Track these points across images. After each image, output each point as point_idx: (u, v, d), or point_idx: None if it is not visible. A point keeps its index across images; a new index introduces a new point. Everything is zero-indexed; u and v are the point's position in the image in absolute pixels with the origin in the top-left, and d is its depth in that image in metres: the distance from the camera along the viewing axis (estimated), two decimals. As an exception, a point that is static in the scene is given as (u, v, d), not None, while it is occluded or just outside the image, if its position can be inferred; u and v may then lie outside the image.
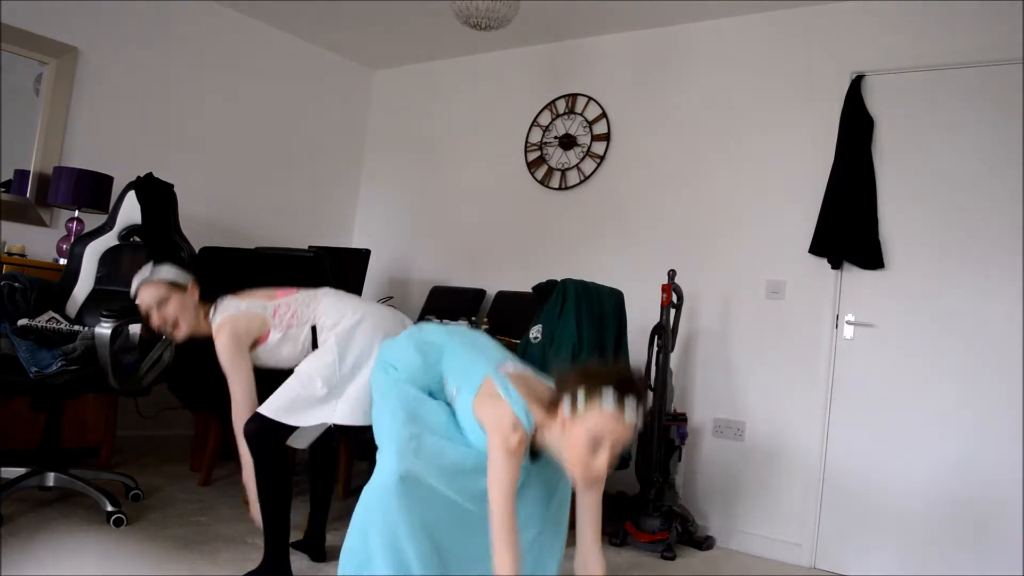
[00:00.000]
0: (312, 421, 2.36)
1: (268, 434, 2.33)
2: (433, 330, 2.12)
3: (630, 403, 1.65)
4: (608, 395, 1.64)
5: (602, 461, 1.64)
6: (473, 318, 4.22)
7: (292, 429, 2.35)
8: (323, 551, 2.74)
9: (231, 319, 2.40)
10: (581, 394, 1.65)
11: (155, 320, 2.48)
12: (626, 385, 1.66)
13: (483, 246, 4.72)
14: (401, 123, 5.32)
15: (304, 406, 2.33)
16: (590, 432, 1.63)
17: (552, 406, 1.73)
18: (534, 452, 1.79)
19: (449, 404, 1.95)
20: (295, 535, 2.97)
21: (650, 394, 3.51)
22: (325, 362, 2.37)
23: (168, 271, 2.54)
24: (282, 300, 2.49)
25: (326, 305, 2.49)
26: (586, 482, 1.75)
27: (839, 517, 3.37)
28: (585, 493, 1.85)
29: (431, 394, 1.96)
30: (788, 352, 3.58)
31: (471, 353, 1.97)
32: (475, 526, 1.79)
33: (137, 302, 2.51)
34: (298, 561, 2.70)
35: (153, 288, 2.47)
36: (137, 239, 3.42)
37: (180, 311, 2.47)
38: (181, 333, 2.49)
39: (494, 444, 1.72)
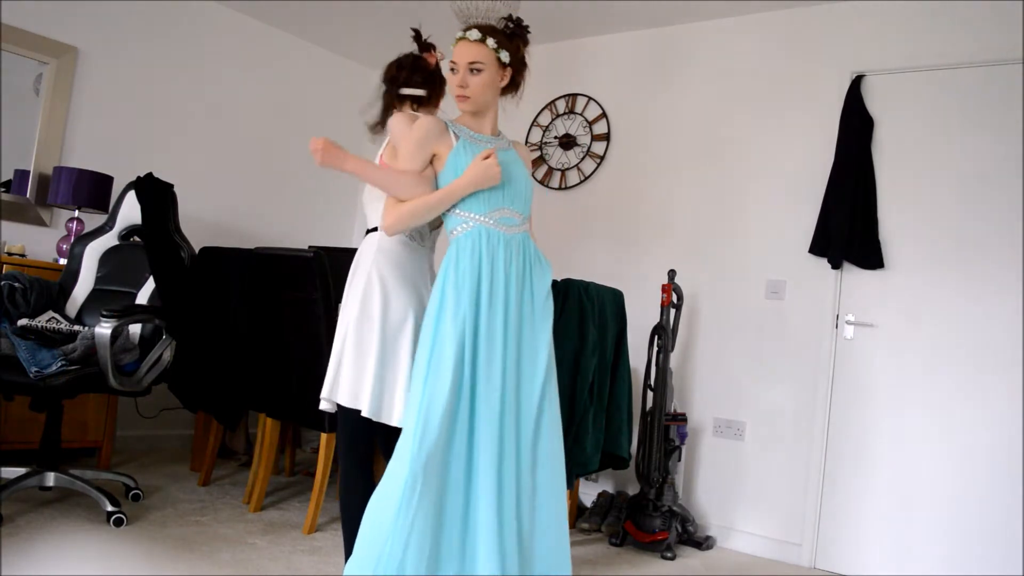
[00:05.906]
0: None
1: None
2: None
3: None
4: None
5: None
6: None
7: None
8: None
9: None
10: None
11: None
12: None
13: (483, 246, 4.71)
14: (401, 123, 5.31)
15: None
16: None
17: None
18: None
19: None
20: (303, 536, 2.98)
21: (650, 394, 3.52)
22: None
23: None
24: None
25: None
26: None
27: (839, 517, 3.37)
28: None
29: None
30: (788, 352, 3.58)
31: None
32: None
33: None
34: (306, 557, 2.70)
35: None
36: (137, 239, 3.43)
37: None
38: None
39: None
